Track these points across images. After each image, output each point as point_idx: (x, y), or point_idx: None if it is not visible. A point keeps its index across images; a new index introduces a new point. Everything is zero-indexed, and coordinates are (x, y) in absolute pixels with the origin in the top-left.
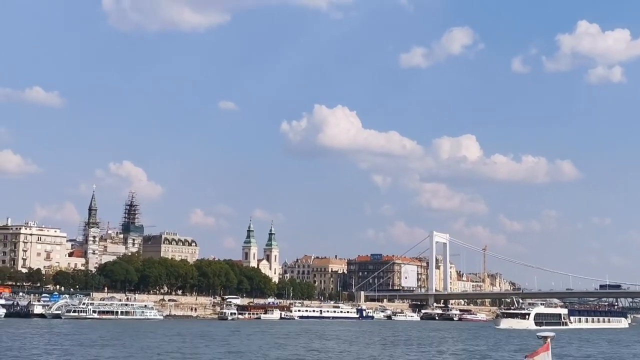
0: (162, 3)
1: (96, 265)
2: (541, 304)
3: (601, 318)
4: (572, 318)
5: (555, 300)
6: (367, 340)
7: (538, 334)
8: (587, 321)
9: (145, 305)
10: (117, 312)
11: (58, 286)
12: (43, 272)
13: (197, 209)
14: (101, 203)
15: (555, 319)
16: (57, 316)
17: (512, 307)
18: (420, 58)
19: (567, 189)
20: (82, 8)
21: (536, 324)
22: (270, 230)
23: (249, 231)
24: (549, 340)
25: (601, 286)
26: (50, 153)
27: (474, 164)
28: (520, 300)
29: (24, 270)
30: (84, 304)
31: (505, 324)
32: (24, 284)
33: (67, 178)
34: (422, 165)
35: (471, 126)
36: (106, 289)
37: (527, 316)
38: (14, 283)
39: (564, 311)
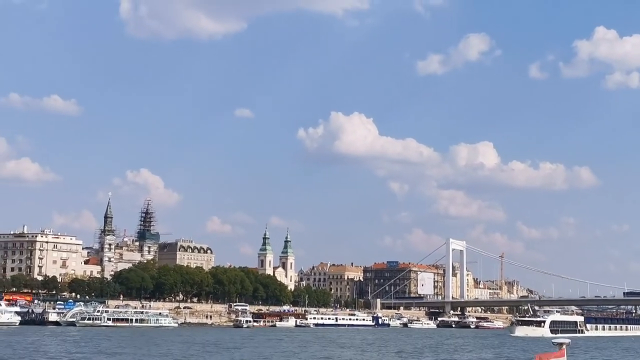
0: (179, 11)
1: (112, 272)
2: (557, 311)
3: (619, 326)
4: (588, 325)
5: (573, 308)
6: (381, 348)
7: (553, 340)
8: (604, 329)
9: (160, 313)
10: (131, 319)
11: (73, 294)
12: (59, 279)
13: (213, 216)
14: (118, 211)
15: (571, 327)
16: (72, 324)
17: (528, 315)
18: (436, 65)
19: (585, 196)
20: (100, 16)
21: (552, 331)
22: (286, 238)
23: (264, 238)
24: (564, 347)
25: (625, 293)
26: (68, 161)
27: (492, 170)
28: (536, 308)
29: (40, 278)
30: (98, 311)
31: (520, 331)
32: (40, 291)
33: (84, 186)
34: (439, 172)
35: (488, 133)
36: (122, 296)
37: (542, 324)
38: (29, 290)
39: (580, 319)
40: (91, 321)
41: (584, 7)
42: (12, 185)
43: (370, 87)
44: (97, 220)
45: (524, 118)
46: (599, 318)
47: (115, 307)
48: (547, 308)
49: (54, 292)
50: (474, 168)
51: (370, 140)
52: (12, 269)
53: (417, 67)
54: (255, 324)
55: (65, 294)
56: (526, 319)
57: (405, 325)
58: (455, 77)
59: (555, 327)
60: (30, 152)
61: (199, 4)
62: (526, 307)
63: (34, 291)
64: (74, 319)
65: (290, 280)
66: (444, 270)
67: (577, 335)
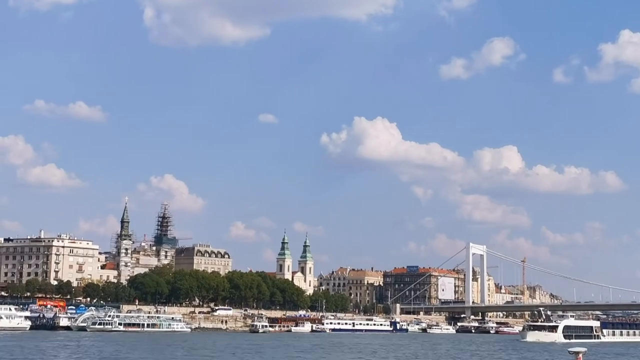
0: (203, 18)
1: (128, 277)
2: (571, 316)
3: (637, 331)
4: (605, 331)
5: (597, 313)
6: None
7: (570, 349)
8: (621, 334)
9: (173, 318)
10: (143, 324)
11: (88, 299)
12: (75, 284)
13: (237, 221)
14: (142, 216)
15: (586, 332)
16: (83, 329)
17: (540, 320)
18: (460, 69)
19: (611, 201)
20: (124, 24)
21: (565, 336)
22: (305, 242)
23: (283, 243)
24: (580, 356)
25: None
26: (93, 167)
27: (516, 175)
28: (549, 313)
29: (55, 283)
30: (109, 316)
31: (532, 337)
32: (54, 296)
33: (109, 192)
34: (463, 177)
35: (513, 137)
36: (137, 301)
37: (555, 329)
38: (43, 295)
39: (596, 324)
40: (102, 326)
41: (609, 10)
42: (38, 192)
43: (394, 91)
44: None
45: (549, 122)
46: (616, 323)
47: (127, 312)
48: (561, 313)
49: (69, 296)
50: (498, 173)
51: (393, 145)
52: (29, 274)
53: (440, 72)
54: (270, 329)
55: (81, 298)
56: (538, 324)
57: (424, 330)
58: (479, 81)
59: (569, 332)
60: (56, 159)
61: (222, 11)
62: (537, 312)
63: (48, 296)
64: (85, 324)
65: (310, 285)
66: (465, 275)
67: (593, 341)
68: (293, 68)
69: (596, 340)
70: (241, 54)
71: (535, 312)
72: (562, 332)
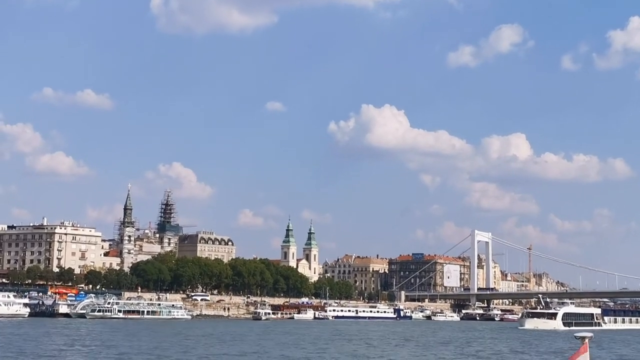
0: (211, 5)
1: (131, 264)
2: (571, 303)
3: (639, 319)
4: (606, 318)
5: (605, 300)
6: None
7: (576, 334)
8: (623, 322)
9: (173, 305)
10: (143, 311)
11: (90, 286)
12: (78, 272)
13: (246, 209)
14: (151, 204)
15: (586, 319)
16: (82, 316)
17: (539, 307)
18: (468, 56)
19: (619, 188)
20: (131, 11)
21: (564, 324)
22: (310, 230)
23: (287, 230)
24: (586, 341)
25: None
26: (101, 155)
27: (524, 163)
28: (547, 300)
29: (58, 270)
30: (109, 303)
31: (530, 324)
32: (55, 283)
33: (117, 180)
34: (471, 164)
35: (521, 125)
36: (139, 288)
37: (554, 316)
38: (44, 282)
39: (597, 311)
40: (102, 313)
41: None
42: (46, 180)
43: (402, 79)
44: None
45: (557, 110)
46: (617, 310)
47: (126, 299)
48: (562, 300)
49: (70, 284)
50: (506, 160)
51: (401, 132)
52: (32, 261)
53: (448, 59)
54: (272, 316)
55: (82, 285)
56: (537, 311)
57: (428, 318)
58: (487, 68)
59: (569, 319)
60: (64, 146)
61: None
62: (536, 299)
63: (49, 283)
64: (84, 311)
65: (314, 273)
66: (470, 262)
67: (594, 328)
68: (301, 56)
69: (597, 328)
70: (249, 41)
71: (534, 299)
72: (562, 320)
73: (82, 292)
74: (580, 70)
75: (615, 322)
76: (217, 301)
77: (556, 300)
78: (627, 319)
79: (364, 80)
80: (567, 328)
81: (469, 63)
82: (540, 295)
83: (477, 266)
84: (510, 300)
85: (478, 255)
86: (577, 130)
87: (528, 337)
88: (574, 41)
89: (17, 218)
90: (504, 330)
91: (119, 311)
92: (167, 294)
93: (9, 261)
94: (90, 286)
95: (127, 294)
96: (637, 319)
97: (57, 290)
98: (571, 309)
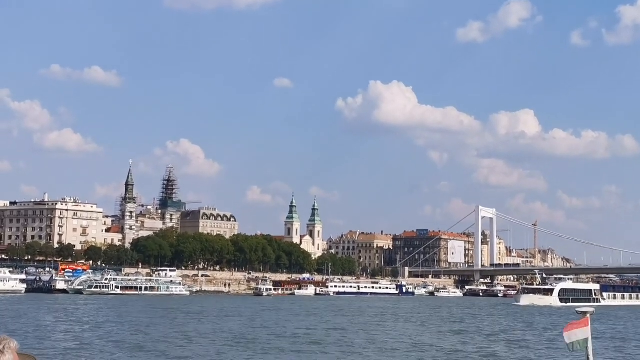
0: None
1: (132, 240)
2: (569, 279)
3: (639, 294)
4: (605, 294)
5: (611, 276)
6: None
7: (577, 309)
8: (623, 297)
9: (172, 281)
10: (141, 287)
11: (91, 262)
12: (79, 248)
13: (254, 186)
14: (158, 181)
15: (584, 295)
16: (79, 292)
17: (536, 283)
18: (476, 32)
19: (628, 164)
20: None
21: (561, 300)
22: (314, 206)
23: (291, 207)
24: (588, 316)
25: None
26: (109, 132)
27: (533, 139)
28: (544, 275)
29: (58, 246)
30: (106, 279)
31: (526, 300)
32: (55, 259)
33: (125, 156)
34: (479, 141)
35: (529, 101)
36: (140, 264)
37: (550, 292)
38: (44, 258)
39: (596, 286)
40: (99, 289)
41: None
42: (54, 156)
43: (410, 55)
44: (137, 191)
45: (566, 86)
46: (617, 286)
47: (124, 275)
48: (569, 276)
49: (70, 259)
50: (514, 136)
51: (409, 109)
52: (33, 237)
53: (456, 35)
54: (274, 292)
55: (83, 261)
56: (532, 287)
57: (431, 294)
58: (496, 44)
59: (566, 295)
60: (72, 123)
61: None
62: (532, 275)
63: (49, 259)
64: (82, 287)
65: (318, 249)
66: (475, 239)
67: (592, 304)
68: (308, 32)
69: (595, 304)
70: (256, 17)
71: (530, 276)
72: (558, 296)
73: (79, 269)
74: (590, 46)
75: (615, 298)
76: (195, 275)
77: (554, 276)
78: (627, 294)
79: (372, 56)
80: (563, 304)
81: (477, 39)
82: (537, 271)
83: (482, 242)
84: (515, 277)
85: (483, 232)
86: (586, 106)
87: (521, 313)
88: (583, 17)
89: (26, 195)
90: (499, 307)
91: (117, 287)
92: (167, 270)
93: (10, 237)
94: (91, 262)
95: (126, 270)
96: (637, 295)
97: (66, 267)
98: (568, 284)
